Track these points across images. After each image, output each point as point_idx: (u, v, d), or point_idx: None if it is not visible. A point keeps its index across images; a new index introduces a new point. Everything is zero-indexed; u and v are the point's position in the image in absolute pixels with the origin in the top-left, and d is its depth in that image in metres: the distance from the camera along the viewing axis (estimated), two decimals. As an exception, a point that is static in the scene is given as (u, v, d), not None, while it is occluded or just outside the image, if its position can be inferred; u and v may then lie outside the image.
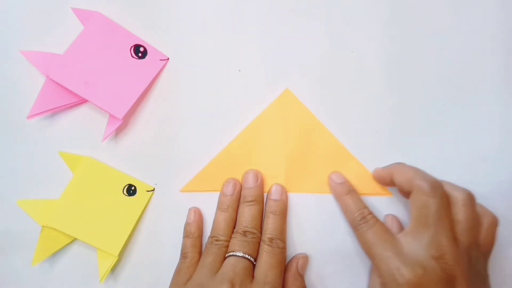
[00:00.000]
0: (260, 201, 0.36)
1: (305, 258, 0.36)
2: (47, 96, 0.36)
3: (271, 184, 0.37)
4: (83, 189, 0.37)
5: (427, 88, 0.37)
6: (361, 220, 0.34)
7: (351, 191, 0.36)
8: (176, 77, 0.38)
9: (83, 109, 0.38)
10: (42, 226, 0.37)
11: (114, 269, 0.38)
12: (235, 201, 0.36)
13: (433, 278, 0.29)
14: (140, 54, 0.37)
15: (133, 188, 0.37)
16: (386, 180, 0.35)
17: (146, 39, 0.37)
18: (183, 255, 0.36)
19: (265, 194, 0.37)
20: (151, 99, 0.38)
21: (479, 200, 0.33)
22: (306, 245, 0.37)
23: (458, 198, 0.32)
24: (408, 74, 0.37)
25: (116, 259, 0.36)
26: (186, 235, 0.37)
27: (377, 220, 0.34)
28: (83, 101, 0.37)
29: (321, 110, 0.37)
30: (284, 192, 0.36)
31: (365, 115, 0.37)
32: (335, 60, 0.37)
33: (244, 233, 0.34)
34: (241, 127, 0.37)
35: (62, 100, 0.37)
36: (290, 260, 0.36)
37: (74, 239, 0.37)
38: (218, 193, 0.37)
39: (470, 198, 0.32)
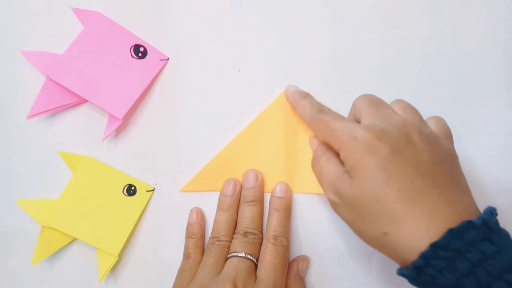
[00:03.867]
0: (261, 201, 0.36)
1: (306, 261, 0.36)
2: (47, 96, 0.36)
3: (272, 184, 0.37)
4: (83, 189, 0.37)
5: (427, 88, 0.37)
6: (318, 111, 0.33)
7: (308, 95, 0.35)
8: (176, 77, 0.38)
9: (83, 109, 0.38)
10: (42, 226, 0.37)
11: (114, 269, 0.38)
12: (235, 201, 0.36)
13: (391, 133, 0.29)
14: (140, 54, 0.37)
15: (133, 188, 0.37)
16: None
17: (146, 39, 0.37)
18: (186, 256, 0.36)
19: (265, 195, 0.37)
20: (151, 99, 0.38)
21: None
22: (306, 246, 0.37)
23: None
24: (408, 74, 0.37)
25: (116, 259, 0.36)
26: (188, 235, 0.37)
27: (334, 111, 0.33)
28: (83, 101, 0.37)
29: (321, 110, 0.37)
30: (288, 190, 0.36)
31: (365, 115, 0.37)
32: (335, 60, 0.37)
33: (245, 234, 0.34)
34: (241, 127, 0.37)
35: (62, 100, 0.37)
36: (291, 263, 0.36)
37: (74, 239, 0.37)
38: (218, 193, 0.37)
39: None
